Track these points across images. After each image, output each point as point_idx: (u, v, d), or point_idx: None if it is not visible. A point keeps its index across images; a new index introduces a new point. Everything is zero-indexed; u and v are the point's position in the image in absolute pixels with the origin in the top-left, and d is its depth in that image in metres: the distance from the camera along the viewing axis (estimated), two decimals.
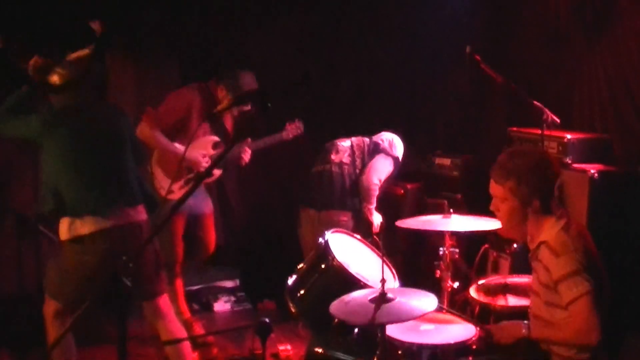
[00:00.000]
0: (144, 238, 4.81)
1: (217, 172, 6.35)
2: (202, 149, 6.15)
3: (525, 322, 3.90)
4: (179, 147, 5.98)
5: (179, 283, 6.35)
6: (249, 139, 6.38)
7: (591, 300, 3.56)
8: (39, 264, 5.76)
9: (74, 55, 4.77)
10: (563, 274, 3.62)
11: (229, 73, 6.13)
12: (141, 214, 4.92)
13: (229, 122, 6.35)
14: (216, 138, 6.23)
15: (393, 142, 6.49)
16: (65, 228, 4.75)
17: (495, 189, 3.90)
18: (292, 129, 6.63)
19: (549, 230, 3.78)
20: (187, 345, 5.11)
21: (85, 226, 4.69)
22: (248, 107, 6.05)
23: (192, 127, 5.98)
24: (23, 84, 4.69)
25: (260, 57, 7.74)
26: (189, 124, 6.00)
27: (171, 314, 5.12)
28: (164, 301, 5.07)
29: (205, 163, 6.10)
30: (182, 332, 5.14)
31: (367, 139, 6.51)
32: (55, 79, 4.73)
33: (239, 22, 7.70)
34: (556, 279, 3.65)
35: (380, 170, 6.34)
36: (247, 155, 6.35)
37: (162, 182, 6.07)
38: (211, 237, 6.51)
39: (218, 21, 7.67)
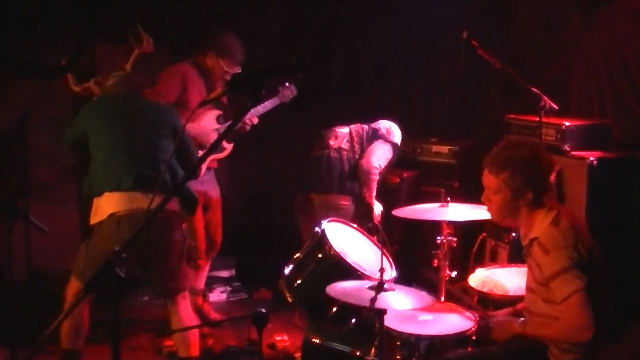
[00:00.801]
0: (172, 228, 4.88)
1: (228, 147, 6.31)
2: (208, 125, 6.12)
3: (521, 319, 3.88)
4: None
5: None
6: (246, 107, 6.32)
7: (583, 297, 3.52)
8: (28, 255, 5.74)
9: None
10: (554, 271, 3.59)
11: (212, 39, 6.15)
12: (171, 203, 4.81)
13: (220, 86, 6.30)
14: (219, 111, 6.22)
15: (391, 129, 6.45)
16: (94, 212, 4.84)
17: (489, 179, 3.86)
18: (287, 92, 6.55)
19: (539, 225, 3.75)
20: (194, 332, 5.08)
21: (109, 206, 4.74)
22: (238, 69, 6.10)
23: (192, 102, 5.96)
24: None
25: (252, 42, 7.69)
26: (187, 98, 5.98)
27: (188, 309, 5.10)
28: (184, 297, 5.06)
29: (214, 135, 6.08)
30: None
31: (365, 126, 6.47)
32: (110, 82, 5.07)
33: (230, 6, 7.64)
34: (547, 277, 3.63)
35: (380, 155, 6.29)
36: (254, 120, 6.34)
37: None
38: (219, 222, 6.48)
39: (209, 4, 7.62)
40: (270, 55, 7.54)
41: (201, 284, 6.52)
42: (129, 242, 2.91)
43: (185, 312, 5.04)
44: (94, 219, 4.83)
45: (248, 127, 6.36)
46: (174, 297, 4.99)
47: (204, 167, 6.12)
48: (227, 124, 6.17)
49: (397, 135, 6.47)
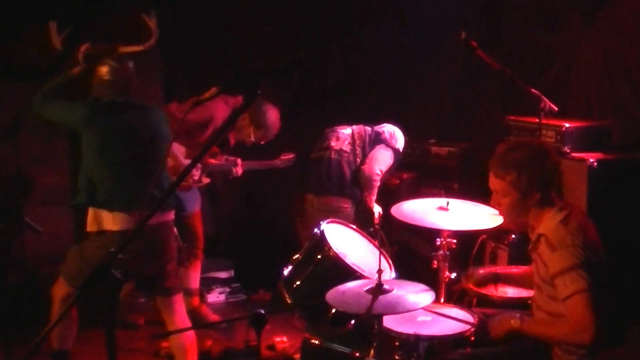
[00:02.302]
0: (171, 238, 4.99)
1: (205, 180, 6.36)
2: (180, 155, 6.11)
3: (518, 314, 3.86)
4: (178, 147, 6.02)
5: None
6: (239, 159, 6.45)
7: (587, 297, 3.52)
8: (23, 256, 5.73)
9: (126, 49, 4.82)
10: (559, 269, 3.60)
11: (257, 109, 6.14)
12: (169, 214, 4.98)
13: (232, 137, 6.41)
14: (216, 149, 6.29)
15: (394, 134, 6.45)
16: (92, 219, 4.79)
17: (495, 183, 3.87)
18: (285, 161, 6.71)
19: (547, 222, 3.75)
20: (191, 337, 5.10)
21: (116, 223, 4.71)
22: (263, 142, 6.30)
23: (203, 137, 6.01)
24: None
25: (249, 43, 7.69)
26: (202, 132, 6.02)
27: (182, 310, 5.14)
28: (179, 298, 5.10)
29: (196, 172, 6.14)
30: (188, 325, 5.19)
31: (368, 128, 6.45)
32: (104, 70, 4.77)
33: (228, 7, 7.65)
34: (552, 274, 3.63)
35: (382, 160, 6.29)
36: (239, 169, 6.42)
37: None
38: (200, 230, 6.51)
39: (206, 6, 7.60)
40: (268, 57, 7.54)
41: (196, 284, 6.53)
42: (123, 243, 2.91)
43: (180, 313, 5.07)
44: (93, 227, 4.79)
45: (231, 178, 6.51)
46: (171, 297, 5.00)
47: None
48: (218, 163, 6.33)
49: (400, 141, 6.46)
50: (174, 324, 5.03)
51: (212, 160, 6.30)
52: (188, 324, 5.17)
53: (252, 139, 6.26)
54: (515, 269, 4.65)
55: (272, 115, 6.24)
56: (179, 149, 6.05)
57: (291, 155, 6.75)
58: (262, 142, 6.31)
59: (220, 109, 6.03)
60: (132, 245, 4.58)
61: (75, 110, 4.79)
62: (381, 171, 6.24)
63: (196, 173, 6.15)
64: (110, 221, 4.72)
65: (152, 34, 4.94)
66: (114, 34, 5.13)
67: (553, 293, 3.68)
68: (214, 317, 6.50)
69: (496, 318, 3.97)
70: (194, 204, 6.37)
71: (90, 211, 4.80)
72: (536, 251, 3.80)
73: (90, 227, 4.80)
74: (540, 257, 3.74)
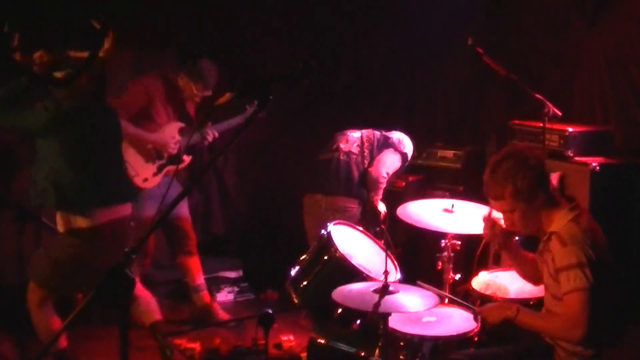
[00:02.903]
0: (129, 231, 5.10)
1: (187, 159, 6.44)
2: (170, 135, 6.24)
3: (518, 305, 3.85)
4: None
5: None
6: (209, 122, 6.49)
7: (585, 297, 3.55)
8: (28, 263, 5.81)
9: (75, 54, 4.77)
10: (565, 264, 3.62)
11: (190, 61, 6.23)
12: (129, 208, 5.13)
13: (191, 108, 6.44)
14: (181, 124, 6.33)
15: (403, 140, 6.48)
16: (63, 221, 4.89)
17: (498, 205, 3.87)
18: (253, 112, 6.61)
19: (560, 221, 3.77)
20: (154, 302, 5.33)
21: (86, 220, 4.83)
22: (209, 93, 6.25)
23: (155, 115, 6.12)
24: (17, 75, 4.71)
25: (259, 46, 7.73)
26: (151, 112, 6.11)
27: (145, 295, 5.33)
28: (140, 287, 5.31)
29: (173, 144, 6.21)
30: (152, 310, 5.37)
31: (377, 132, 6.49)
32: (59, 75, 4.74)
33: (238, 10, 7.68)
34: (558, 268, 3.65)
35: (389, 164, 6.32)
36: (210, 137, 6.46)
37: (137, 169, 6.11)
38: (189, 226, 6.54)
39: (217, 8, 7.63)
40: (277, 61, 7.59)
41: (200, 279, 6.57)
42: (138, 244, 2.95)
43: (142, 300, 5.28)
44: (62, 228, 4.90)
45: (207, 143, 6.53)
46: None
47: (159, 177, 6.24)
48: (189, 136, 6.33)
49: (408, 147, 6.49)
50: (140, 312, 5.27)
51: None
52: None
53: (196, 92, 6.26)
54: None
55: (204, 64, 6.25)
56: (172, 129, 6.25)
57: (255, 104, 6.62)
58: (207, 94, 6.27)
59: (148, 81, 6.17)
60: (100, 242, 4.85)
61: (36, 116, 4.82)
62: (388, 174, 6.28)
63: (172, 144, 6.24)
64: (80, 220, 4.84)
65: (103, 40, 4.96)
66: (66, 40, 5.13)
67: (556, 291, 3.71)
68: (223, 316, 6.53)
69: (492, 305, 4.00)
70: (181, 205, 6.41)
71: (59, 213, 4.92)
72: (547, 249, 3.80)
73: (62, 228, 4.92)
74: (550, 253, 3.75)
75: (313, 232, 6.01)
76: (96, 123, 4.96)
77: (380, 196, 6.26)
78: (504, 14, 7.14)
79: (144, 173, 6.12)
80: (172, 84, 6.23)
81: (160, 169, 6.23)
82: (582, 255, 3.59)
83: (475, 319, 4.06)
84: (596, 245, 3.66)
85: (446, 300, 4.68)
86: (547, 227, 3.82)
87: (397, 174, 6.55)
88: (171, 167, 6.28)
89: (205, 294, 6.57)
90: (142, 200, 5.89)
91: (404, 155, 6.44)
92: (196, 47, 7.41)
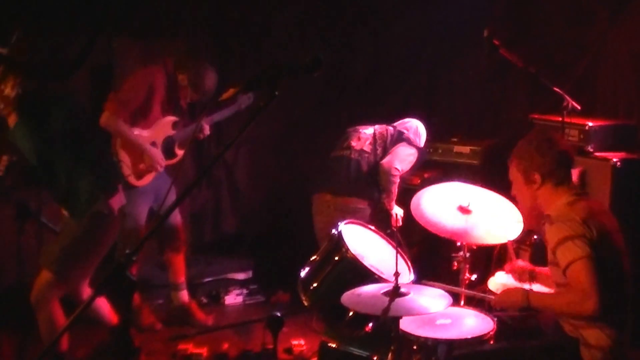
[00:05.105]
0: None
1: (179, 153, 6.30)
2: (162, 130, 6.12)
3: (526, 289, 3.93)
4: (140, 133, 5.99)
5: None
6: (204, 116, 6.40)
7: (586, 264, 3.55)
8: (39, 254, 5.74)
9: None
10: (555, 240, 3.67)
11: (194, 65, 6.10)
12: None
13: (184, 101, 6.29)
14: (175, 118, 6.21)
15: (418, 131, 6.39)
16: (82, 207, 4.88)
17: (509, 172, 4.05)
18: (244, 100, 6.52)
19: (555, 204, 3.85)
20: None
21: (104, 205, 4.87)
22: (202, 98, 6.17)
23: (152, 110, 6.01)
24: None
25: (275, 37, 7.63)
26: (149, 105, 6.00)
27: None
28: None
29: (161, 161, 6.07)
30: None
31: (390, 128, 6.37)
32: None
33: (249, 3, 7.58)
34: (552, 248, 3.70)
35: (403, 157, 6.19)
36: (206, 130, 6.36)
37: (132, 167, 6.02)
38: (179, 222, 6.44)
39: (228, 2, 7.54)
40: (290, 53, 7.49)
41: (181, 277, 6.45)
42: (140, 244, 2.88)
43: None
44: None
45: (202, 137, 6.46)
46: None
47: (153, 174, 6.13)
48: (182, 130, 6.24)
49: (422, 138, 6.41)
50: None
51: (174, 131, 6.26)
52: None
53: (189, 100, 6.19)
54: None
55: (209, 81, 6.12)
56: (165, 124, 6.16)
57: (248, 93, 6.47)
58: (200, 99, 6.20)
59: (154, 73, 6.05)
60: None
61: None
62: (402, 169, 6.15)
63: (161, 162, 6.11)
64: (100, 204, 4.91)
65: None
66: None
67: (559, 279, 3.72)
68: (200, 316, 6.43)
69: (505, 291, 4.01)
70: (169, 199, 6.32)
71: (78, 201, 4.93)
72: (544, 234, 3.89)
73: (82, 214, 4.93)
74: (545, 236, 3.83)
75: (322, 234, 5.89)
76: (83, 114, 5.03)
77: (394, 197, 6.10)
78: (525, 4, 7.06)
79: (137, 171, 6.00)
80: (173, 79, 6.10)
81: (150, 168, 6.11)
82: (569, 230, 3.65)
83: (490, 309, 4.11)
84: (591, 224, 3.66)
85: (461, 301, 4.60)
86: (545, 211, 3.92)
87: (412, 171, 6.42)
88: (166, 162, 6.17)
89: (184, 294, 6.47)
90: (135, 196, 5.86)
91: (419, 149, 6.34)
92: (205, 40, 7.30)
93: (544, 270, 4.41)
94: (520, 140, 4.01)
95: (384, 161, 6.15)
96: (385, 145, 6.27)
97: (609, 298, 3.53)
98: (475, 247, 4.86)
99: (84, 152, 4.87)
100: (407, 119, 6.50)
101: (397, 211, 6.10)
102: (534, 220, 4.15)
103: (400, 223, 5.95)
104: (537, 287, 4.39)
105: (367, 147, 6.23)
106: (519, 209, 4.22)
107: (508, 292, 3.96)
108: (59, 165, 4.79)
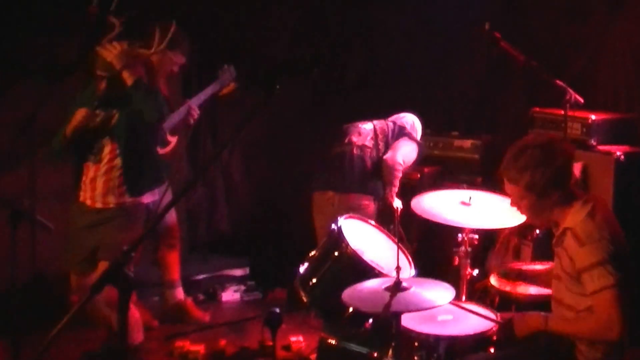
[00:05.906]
0: None
1: (172, 140, 6.13)
2: None
3: (544, 314, 3.76)
4: None
5: None
6: (188, 99, 6.18)
7: (615, 293, 3.45)
8: (33, 254, 5.69)
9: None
10: (587, 264, 3.52)
11: (181, 36, 5.92)
12: None
13: (164, 88, 6.13)
14: None
15: (414, 125, 6.43)
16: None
17: (510, 189, 3.80)
18: (227, 76, 6.20)
19: (573, 216, 3.66)
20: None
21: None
22: (184, 61, 6.06)
23: None
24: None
25: (270, 36, 7.59)
26: None
27: None
28: None
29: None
30: None
31: (390, 123, 6.37)
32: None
33: (246, 2, 7.53)
34: (579, 269, 3.55)
35: (405, 152, 6.20)
36: (195, 113, 6.12)
37: None
38: (174, 219, 6.38)
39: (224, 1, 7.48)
40: (288, 50, 7.44)
41: (176, 274, 6.40)
42: (137, 241, 2.85)
43: None
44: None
45: (192, 120, 6.20)
46: None
47: None
48: (169, 116, 6.01)
49: (419, 132, 6.43)
50: None
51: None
52: None
53: (174, 61, 5.99)
54: (539, 266, 4.54)
55: (176, 29, 6.00)
56: None
57: (226, 67, 6.17)
58: (183, 60, 6.04)
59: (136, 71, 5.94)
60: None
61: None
62: (404, 162, 6.14)
63: (172, 140, 6.01)
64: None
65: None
66: None
67: (576, 288, 3.61)
68: (197, 313, 6.41)
69: (516, 319, 3.87)
70: (167, 198, 6.24)
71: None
72: (561, 245, 3.70)
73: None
74: (566, 251, 3.65)
75: (323, 232, 5.80)
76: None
77: (396, 189, 6.08)
78: None
79: None
80: (150, 66, 5.84)
81: None
82: (602, 253, 3.50)
83: (499, 330, 3.97)
84: (614, 238, 3.57)
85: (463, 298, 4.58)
86: (561, 222, 3.72)
87: (413, 166, 6.41)
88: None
89: (179, 291, 6.43)
90: None
91: (419, 144, 6.33)
92: (200, 35, 7.25)
93: (534, 269, 4.40)
94: (517, 151, 3.76)
95: (387, 156, 6.13)
96: (387, 140, 6.26)
97: (631, 322, 3.50)
98: (476, 242, 4.80)
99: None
100: (402, 114, 6.50)
101: (398, 204, 6.05)
102: (539, 223, 4.03)
103: (399, 211, 5.92)
104: (533, 289, 4.33)
105: (368, 142, 6.20)
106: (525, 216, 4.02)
107: (525, 316, 3.83)
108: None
